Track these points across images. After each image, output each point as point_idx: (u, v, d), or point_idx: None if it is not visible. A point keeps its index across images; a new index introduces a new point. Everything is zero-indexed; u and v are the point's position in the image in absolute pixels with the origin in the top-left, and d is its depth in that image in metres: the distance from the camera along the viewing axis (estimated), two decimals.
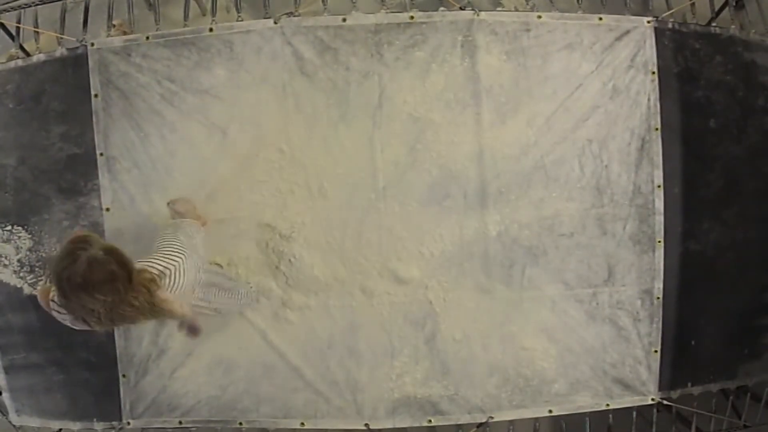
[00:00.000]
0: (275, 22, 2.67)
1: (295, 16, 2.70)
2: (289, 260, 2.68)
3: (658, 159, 2.70)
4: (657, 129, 2.69)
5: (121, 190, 2.70)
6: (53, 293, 1.82)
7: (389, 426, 2.74)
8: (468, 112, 2.69)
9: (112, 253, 1.71)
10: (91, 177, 2.71)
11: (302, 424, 2.74)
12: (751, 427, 2.89)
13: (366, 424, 2.73)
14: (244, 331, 2.72)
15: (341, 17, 2.68)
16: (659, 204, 2.70)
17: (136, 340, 2.73)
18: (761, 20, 2.92)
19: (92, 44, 2.68)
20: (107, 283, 1.67)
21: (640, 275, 2.72)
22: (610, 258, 2.72)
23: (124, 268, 1.71)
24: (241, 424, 2.75)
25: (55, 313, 1.86)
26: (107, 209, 2.70)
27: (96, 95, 2.68)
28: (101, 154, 2.69)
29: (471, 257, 2.71)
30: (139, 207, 2.68)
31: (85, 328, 1.80)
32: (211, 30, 2.68)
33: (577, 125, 2.69)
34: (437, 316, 2.71)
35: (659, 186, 2.70)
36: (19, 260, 2.77)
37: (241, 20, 2.76)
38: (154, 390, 2.76)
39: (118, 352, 2.73)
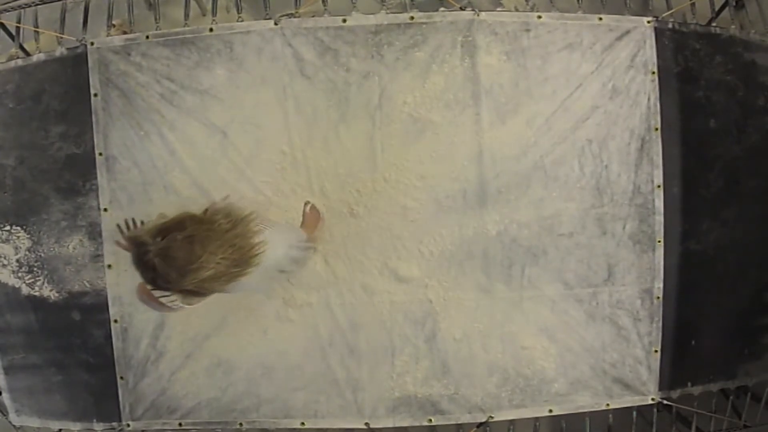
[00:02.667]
0: (275, 23, 2.67)
1: (295, 16, 2.70)
2: None
3: (658, 159, 2.69)
4: (657, 129, 2.69)
5: (119, 190, 2.70)
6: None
7: (389, 425, 2.74)
8: (468, 112, 2.68)
9: (169, 229, 1.61)
10: (90, 177, 2.71)
11: (302, 423, 2.73)
12: (751, 427, 2.89)
13: (366, 423, 2.73)
14: (243, 330, 2.71)
15: (341, 18, 2.68)
16: (659, 204, 2.70)
17: (134, 342, 2.72)
18: (761, 20, 2.93)
19: (92, 43, 2.67)
20: (192, 246, 1.59)
21: (640, 275, 2.72)
22: (610, 258, 2.72)
23: (192, 223, 1.64)
24: (241, 424, 2.75)
25: (164, 300, 1.84)
26: (105, 209, 2.70)
27: (95, 94, 2.67)
28: (100, 154, 2.69)
29: (471, 257, 2.71)
30: (138, 207, 2.67)
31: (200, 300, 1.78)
32: (211, 30, 2.67)
33: (577, 125, 2.69)
34: (437, 316, 2.71)
35: (659, 186, 2.70)
36: (17, 260, 2.77)
37: (242, 20, 2.76)
38: (154, 392, 2.75)
39: (115, 354, 2.73)
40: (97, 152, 2.69)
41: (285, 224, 2.31)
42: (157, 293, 1.84)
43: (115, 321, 2.72)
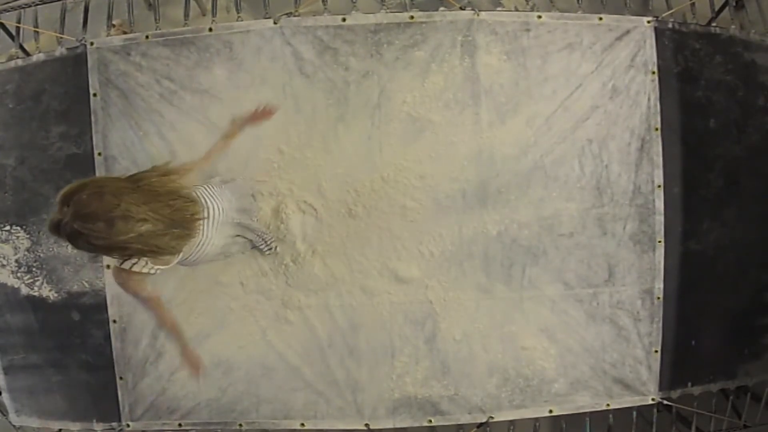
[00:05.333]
0: (275, 23, 2.67)
1: (294, 16, 2.70)
2: (290, 260, 2.69)
3: (658, 159, 2.70)
4: (657, 129, 2.69)
5: None
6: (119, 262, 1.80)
7: (389, 426, 2.73)
8: (467, 112, 2.68)
9: (72, 194, 1.59)
10: (90, 177, 2.71)
11: (302, 424, 2.73)
12: (751, 427, 2.88)
13: (366, 425, 2.73)
14: (243, 331, 2.71)
15: (341, 17, 2.68)
16: (659, 204, 2.70)
17: (133, 342, 2.73)
18: (761, 20, 2.93)
19: (92, 43, 2.68)
20: (103, 197, 1.57)
21: (641, 275, 2.72)
22: (611, 258, 2.72)
23: (93, 182, 1.64)
24: (240, 425, 2.74)
25: (136, 268, 1.82)
26: None
27: (95, 94, 2.68)
28: (99, 154, 2.69)
29: (471, 257, 2.70)
30: None
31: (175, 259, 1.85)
32: (210, 30, 2.67)
33: (577, 125, 2.69)
34: (437, 316, 2.70)
35: (659, 186, 2.70)
36: (17, 260, 2.77)
37: (241, 20, 2.76)
38: (153, 392, 2.75)
39: (114, 354, 2.73)
40: (96, 152, 2.69)
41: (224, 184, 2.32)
42: (126, 265, 1.81)
43: (114, 321, 2.72)
